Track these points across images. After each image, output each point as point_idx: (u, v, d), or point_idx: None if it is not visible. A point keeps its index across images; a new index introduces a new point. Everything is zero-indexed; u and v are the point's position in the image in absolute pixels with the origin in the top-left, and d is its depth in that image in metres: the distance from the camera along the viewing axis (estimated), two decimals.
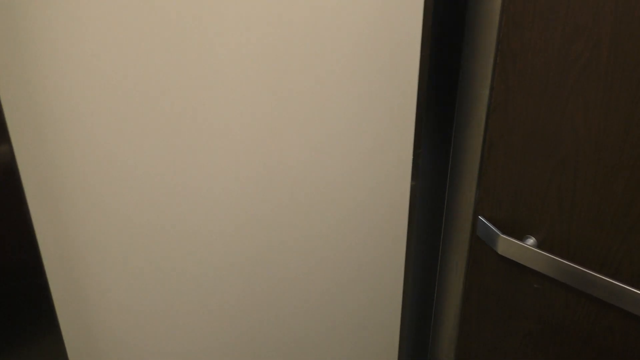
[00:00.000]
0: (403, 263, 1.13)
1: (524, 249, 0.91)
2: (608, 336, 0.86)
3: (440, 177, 1.08)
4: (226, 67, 0.74)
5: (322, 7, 0.79)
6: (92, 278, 0.76)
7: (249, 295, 0.93)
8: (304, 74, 0.82)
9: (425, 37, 0.91)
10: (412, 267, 1.13)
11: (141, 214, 0.76)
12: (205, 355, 0.93)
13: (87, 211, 0.72)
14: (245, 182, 0.84)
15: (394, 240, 1.09)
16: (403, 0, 0.86)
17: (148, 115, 0.71)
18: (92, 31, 0.64)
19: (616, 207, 0.79)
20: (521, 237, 0.94)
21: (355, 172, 0.96)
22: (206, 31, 0.71)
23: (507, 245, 0.94)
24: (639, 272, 0.79)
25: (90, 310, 0.78)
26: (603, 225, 0.81)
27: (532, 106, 0.84)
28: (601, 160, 0.78)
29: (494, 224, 0.96)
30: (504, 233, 0.94)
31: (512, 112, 0.87)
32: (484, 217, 0.98)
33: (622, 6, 0.69)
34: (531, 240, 0.92)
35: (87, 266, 0.75)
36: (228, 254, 0.87)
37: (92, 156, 0.70)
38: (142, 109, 0.70)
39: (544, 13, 0.78)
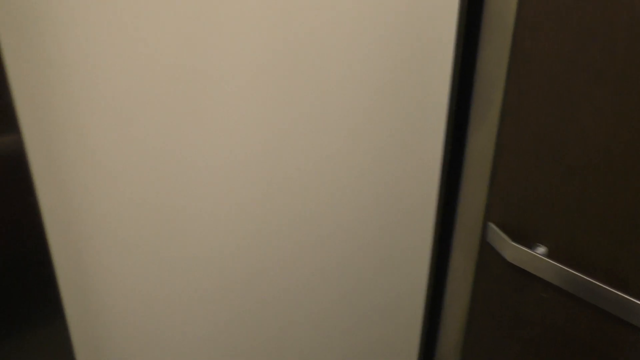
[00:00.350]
0: (428, 261, 1.12)
1: (533, 257, 0.89)
2: (614, 350, 0.83)
3: (453, 180, 1.07)
4: (248, 64, 0.75)
5: None
6: (99, 268, 0.78)
7: (267, 294, 0.94)
8: (336, 68, 0.82)
9: (460, 28, 0.89)
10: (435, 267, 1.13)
11: (151, 207, 0.77)
12: (213, 345, 0.94)
13: (95, 201, 0.74)
14: (270, 177, 0.84)
15: (419, 237, 1.08)
16: None
17: (158, 110, 0.72)
18: (103, 27, 0.65)
19: (626, 217, 0.76)
20: (531, 245, 0.92)
21: (383, 166, 0.95)
22: (229, 25, 0.72)
23: (515, 252, 0.92)
24: None
25: (96, 300, 0.79)
26: (613, 236, 0.79)
27: (543, 111, 0.82)
28: (612, 168, 0.76)
29: (503, 231, 0.95)
30: (513, 240, 0.92)
31: (524, 116, 0.85)
32: (493, 223, 0.96)
33: (639, 11, 0.67)
34: (541, 249, 0.90)
35: (94, 255, 0.77)
36: (248, 251, 0.88)
37: (101, 147, 0.71)
38: (152, 103, 0.71)
39: (557, 17, 0.76)
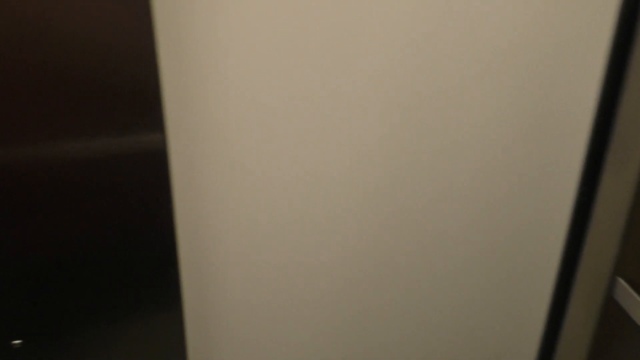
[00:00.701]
0: (546, 309, 1.05)
1: None
2: None
3: (580, 225, 0.99)
4: (380, 71, 0.76)
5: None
6: (221, 265, 0.82)
7: (375, 300, 0.94)
8: (472, 106, 0.81)
9: (609, 65, 0.84)
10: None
11: (277, 211, 0.81)
12: (322, 350, 0.94)
13: (225, 201, 0.78)
14: (397, 176, 0.85)
15: (540, 280, 1.02)
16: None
17: (294, 119, 0.76)
18: (249, 36, 0.70)
19: None
20: None
21: (510, 201, 0.92)
22: (364, 34, 0.73)
23: None
24: None
25: (213, 296, 0.83)
26: None
27: None
28: None
29: (635, 289, 0.85)
30: None
31: None
32: (623, 278, 0.87)
33: None
34: None
35: (218, 252, 0.81)
36: (366, 252, 0.89)
37: (237, 151, 0.75)
38: (289, 113, 0.75)
39: None
